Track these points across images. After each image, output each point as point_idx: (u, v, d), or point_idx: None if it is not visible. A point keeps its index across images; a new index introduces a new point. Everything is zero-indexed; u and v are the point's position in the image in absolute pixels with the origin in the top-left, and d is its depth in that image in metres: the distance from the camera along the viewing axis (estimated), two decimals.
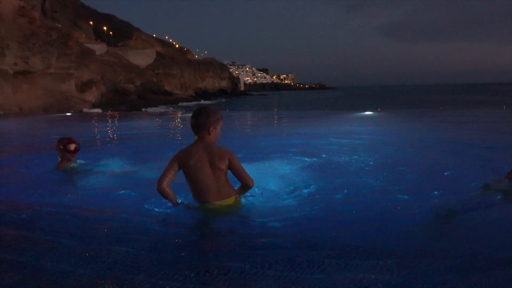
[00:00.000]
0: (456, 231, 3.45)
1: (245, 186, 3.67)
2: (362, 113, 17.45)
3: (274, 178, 5.19)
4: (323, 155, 7.15)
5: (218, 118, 3.73)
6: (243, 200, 3.86)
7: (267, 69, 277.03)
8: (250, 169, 3.87)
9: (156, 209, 4.00)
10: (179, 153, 3.71)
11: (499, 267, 2.53)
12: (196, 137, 3.72)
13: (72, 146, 5.70)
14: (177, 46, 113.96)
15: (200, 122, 3.67)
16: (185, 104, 67.33)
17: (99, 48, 62.36)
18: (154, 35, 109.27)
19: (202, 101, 79.46)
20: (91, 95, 49.85)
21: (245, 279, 2.32)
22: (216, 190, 3.64)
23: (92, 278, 2.34)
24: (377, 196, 4.64)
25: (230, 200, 3.68)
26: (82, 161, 5.99)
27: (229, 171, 3.70)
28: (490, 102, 52.32)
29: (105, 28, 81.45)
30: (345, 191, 4.77)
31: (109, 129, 14.16)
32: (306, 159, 6.76)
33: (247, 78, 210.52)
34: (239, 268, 2.44)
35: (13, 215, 3.92)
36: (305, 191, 4.65)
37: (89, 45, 55.39)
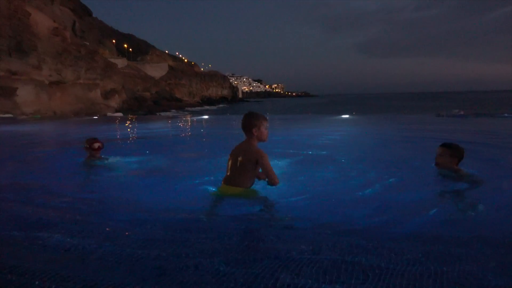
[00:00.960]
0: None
1: (270, 183, 3.61)
2: (340, 116, 17.46)
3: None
4: (310, 149, 7.14)
5: (261, 121, 3.72)
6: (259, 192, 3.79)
7: (261, 80, 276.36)
8: None
9: (167, 196, 3.98)
10: None
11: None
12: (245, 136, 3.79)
13: (96, 145, 5.66)
14: (186, 60, 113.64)
15: (245, 125, 3.71)
16: (192, 109, 67.30)
17: (121, 62, 62.12)
18: (167, 51, 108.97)
19: (207, 107, 79.35)
20: (114, 102, 49.63)
21: (242, 254, 2.29)
22: (230, 177, 3.72)
23: (114, 254, 2.31)
24: (350, 182, 4.64)
25: (236, 190, 3.68)
26: (108, 157, 5.94)
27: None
28: (445, 107, 52.46)
29: (125, 45, 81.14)
30: (330, 179, 4.76)
31: (129, 129, 14.09)
32: (300, 151, 6.77)
33: (244, 87, 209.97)
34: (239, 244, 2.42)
35: (45, 199, 3.87)
36: (298, 179, 4.63)
37: (112, 60, 55.19)
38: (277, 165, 5.51)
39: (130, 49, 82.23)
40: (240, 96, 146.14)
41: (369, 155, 6.66)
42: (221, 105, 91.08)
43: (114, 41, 77.69)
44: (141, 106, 55.56)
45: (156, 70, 78.92)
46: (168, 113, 48.49)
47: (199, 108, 72.70)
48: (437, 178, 4.28)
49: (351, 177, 4.87)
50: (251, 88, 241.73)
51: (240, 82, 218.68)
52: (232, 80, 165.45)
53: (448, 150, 4.13)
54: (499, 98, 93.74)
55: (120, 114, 36.42)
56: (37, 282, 1.93)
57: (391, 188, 4.24)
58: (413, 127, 12.78)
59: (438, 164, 4.22)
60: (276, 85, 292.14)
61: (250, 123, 3.68)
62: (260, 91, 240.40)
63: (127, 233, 2.78)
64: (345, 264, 2.08)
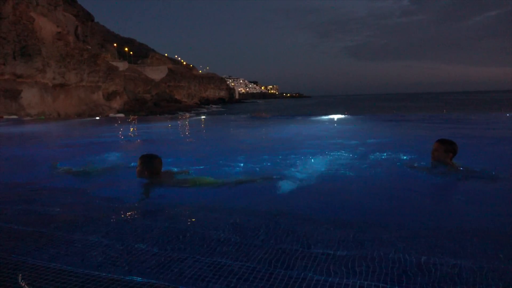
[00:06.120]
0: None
1: None
2: (333, 116, 17.45)
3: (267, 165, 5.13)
4: (310, 144, 7.17)
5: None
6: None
7: (257, 81, 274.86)
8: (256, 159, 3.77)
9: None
10: None
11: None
12: None
13: None
14: (184, 63, 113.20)
15: (158, 170, 3.99)
16: (201, 110, 67.22)
17: (122, 66, 61.78)
18: (166, 55, 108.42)
19: (206, 106, 79.17)
20: (116, 103, 49.41)
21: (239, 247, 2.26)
22: None
23: (115, 247, 2.28)
24: (347, 173, 4.66)
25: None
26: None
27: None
28: (432, 107, 52.69)
29: (126, 49, 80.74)
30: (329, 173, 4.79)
31: (131, 129, 14.04)
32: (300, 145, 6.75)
33: (241, 89, 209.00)
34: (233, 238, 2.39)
35: (41, 194, 3.83)
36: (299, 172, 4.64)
37: (114, 63, 54.90)
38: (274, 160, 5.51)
39: (131, 53, 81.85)
40: (237, 97, 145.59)
41: (361, 150, 6.65)
42: (219, 106, 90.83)
43: (115, 45, 77.26)
44: (142, 108, 55.34)
45: (156, 73, 78.59)
46: (180, 114, 47.96)
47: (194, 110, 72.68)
48: (432, 171, 4.32)
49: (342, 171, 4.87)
50: (247, 89, 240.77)
51: (237, 83, 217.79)
52: (229, 82, 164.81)
53: (443, 145, 4.20)
54: (466, 99, 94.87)
55: (122, 115, 36.20)
56: (40, 277, 1.89)
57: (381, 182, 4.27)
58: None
59: (434, 158, 4.30)
60: (271, 86, 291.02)
61: (160, 167, 3.94)
62: (256, 92, 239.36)
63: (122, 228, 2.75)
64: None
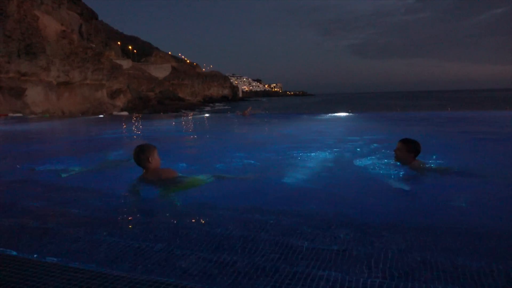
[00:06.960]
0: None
1: None
2: (337, 114, 17.41)
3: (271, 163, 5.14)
4: (315, 141, 7.21)
5: (151, 151, 3.61)
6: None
7: (260, 79, 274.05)
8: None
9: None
10: None
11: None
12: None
13: None
14: (188, 61, 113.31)
15: (138, 160, 3.59)
16: (209, 108, 67.18)
17: (126, 64, 62.02)
18: (170, 53, 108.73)
19: (210, 105, 79.23)
20: (120, 101, 49.59)
21: (243, 244, 2.27)
22: None
23: (119, 245, 2.30)
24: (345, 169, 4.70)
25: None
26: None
27: None
28: (437, 105, 52.35)
29: (130, 47, 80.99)
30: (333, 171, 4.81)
31: (134, 126, 14.10)
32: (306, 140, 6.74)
33: (244, 87, 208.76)
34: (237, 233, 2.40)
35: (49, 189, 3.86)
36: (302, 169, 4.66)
37: (117, 61, 55.13)
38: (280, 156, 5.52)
39: (135, 51, 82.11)
40: (240, 95, 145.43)
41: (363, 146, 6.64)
42: (222, 104, 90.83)
43: (119, 43, 77.50)
44: (146, 106, 55.52)
45: (160, 71, 78.82)
46: (180, 112, 47.91)
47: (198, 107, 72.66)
48: (397, 171, 4.35)
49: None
50: (250, 87, 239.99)
51: (240, 82, 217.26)
52: (232, 80, 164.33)
53: (405, 145, 4.21)
54: (469, 97, 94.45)
55: (126, 113, 36.32)
56: (47, 272, 1.91)
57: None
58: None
59: (396, 158, 4.32)
60: (274, 84, 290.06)
61: (143, 157, 3.53)
62: (260, 91, 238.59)
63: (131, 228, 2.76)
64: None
